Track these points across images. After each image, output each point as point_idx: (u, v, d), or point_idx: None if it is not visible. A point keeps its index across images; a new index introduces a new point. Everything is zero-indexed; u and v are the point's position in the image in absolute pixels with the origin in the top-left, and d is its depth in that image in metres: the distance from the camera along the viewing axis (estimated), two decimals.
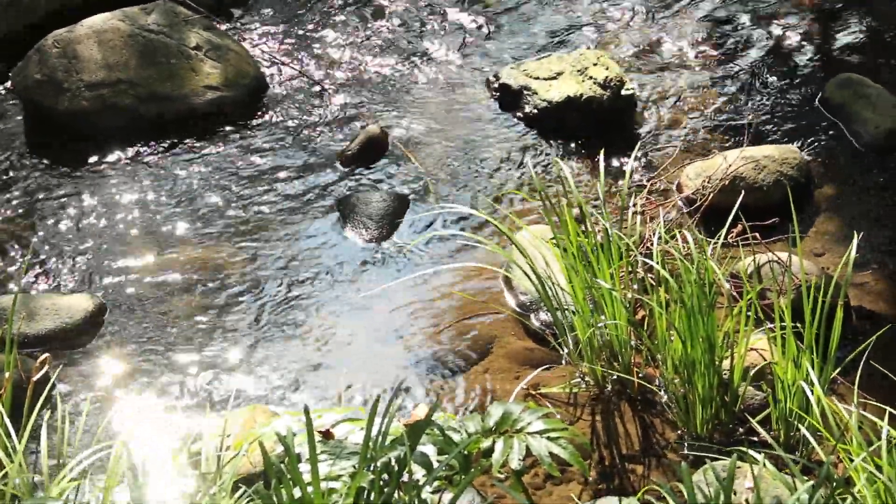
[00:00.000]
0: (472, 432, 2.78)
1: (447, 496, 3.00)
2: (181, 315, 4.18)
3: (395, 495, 2.50)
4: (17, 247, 4.50)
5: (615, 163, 4.86)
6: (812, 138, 5.03)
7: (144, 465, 3.03)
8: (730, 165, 4.52)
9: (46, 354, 3.58)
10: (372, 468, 2.49)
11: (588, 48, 5.56)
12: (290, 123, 5.18)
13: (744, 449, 3.04)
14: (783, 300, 3.49)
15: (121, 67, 5.13)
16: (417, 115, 5.24)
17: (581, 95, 5.09)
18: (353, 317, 4.18)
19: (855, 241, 3.45)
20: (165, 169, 4.90)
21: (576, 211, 3.82)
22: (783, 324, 3.37)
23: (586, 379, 3.79)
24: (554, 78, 5.21)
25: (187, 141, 5.05)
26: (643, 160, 4.90)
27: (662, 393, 3.71)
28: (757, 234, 3.93)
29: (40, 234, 4.57)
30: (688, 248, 3.56)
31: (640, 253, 3.84)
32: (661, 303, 3.54)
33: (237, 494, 2.81)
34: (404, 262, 4.42)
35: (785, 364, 3.36)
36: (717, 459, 3.24)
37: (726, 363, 3.51)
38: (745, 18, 5.91)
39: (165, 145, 5.02)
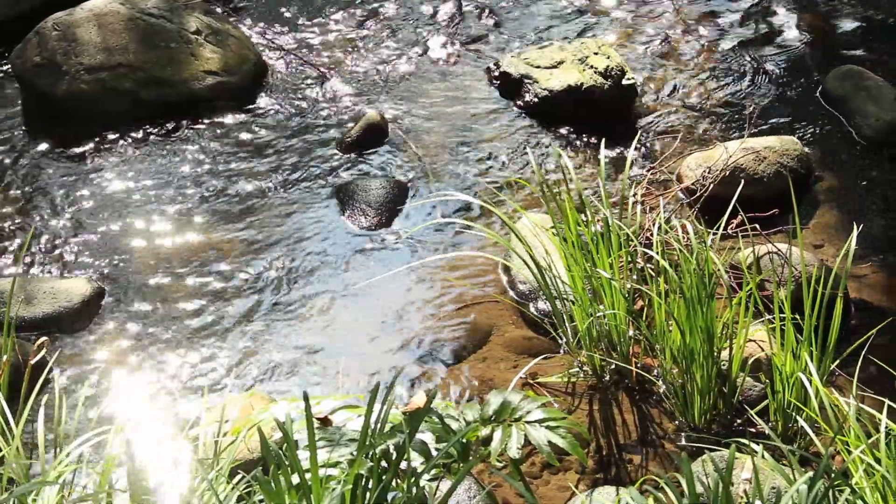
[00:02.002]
0: (470, 421, 2.78)
1: (445, 484, 3.00)
2: (179, 299, 4.17)
3: (393, 483, 2.50)
4: (15, 230, 4.49)
5: (616, 152, 4.85)
6: (812, 130, 5.03)
7: (141, 449, 3.02)
8: (730, 156, 4.51)
9: (44, 338, 3.57)
10: (370, 455, 2.49)
11: (589, 37, 5.55)
12: (289, 110, 5.17)
13: (742, 440, 3.04)
14: (782, 291, 3.49)
15: (120, 51, 5.11)
16: (417, 103, 5.23)
17: (582, 85, 5.08)
18: (352, 304, 4.17)
19: (854, 234, 3.44)
20: (164, 153, 4.89)
21: (576, 200, 3.81)
22: (782, 315, 3.37)
23: (584, 368, 3.79)
24: (555, 67, 5.19)
25: (186, 126, 5.03)
26: (644, 150, 4.90)
27: (660, 383, 3.71)
28: (757, 225, 3.92)
29: (38, 217, 4.55)
30: (687, 239, 3.55)
31: (640, 243, 3.83)
32: (660, 293, 3.53)
33: (235, 480, 2.81)
34: (403, 250, 4.41)
35: (784, 355, 3.36)
36: (714, 450, 3.24)
37: (725, 354, 3.51)
38: (746, 10, 5.91)
39: (165, 130, 5.01)
